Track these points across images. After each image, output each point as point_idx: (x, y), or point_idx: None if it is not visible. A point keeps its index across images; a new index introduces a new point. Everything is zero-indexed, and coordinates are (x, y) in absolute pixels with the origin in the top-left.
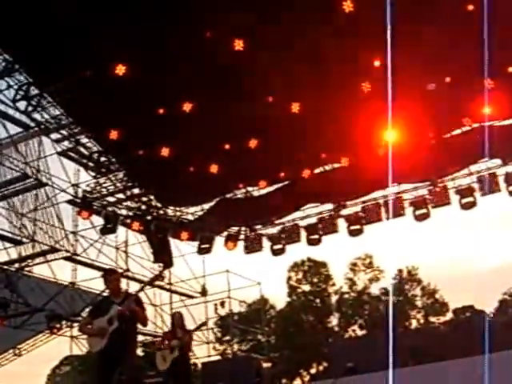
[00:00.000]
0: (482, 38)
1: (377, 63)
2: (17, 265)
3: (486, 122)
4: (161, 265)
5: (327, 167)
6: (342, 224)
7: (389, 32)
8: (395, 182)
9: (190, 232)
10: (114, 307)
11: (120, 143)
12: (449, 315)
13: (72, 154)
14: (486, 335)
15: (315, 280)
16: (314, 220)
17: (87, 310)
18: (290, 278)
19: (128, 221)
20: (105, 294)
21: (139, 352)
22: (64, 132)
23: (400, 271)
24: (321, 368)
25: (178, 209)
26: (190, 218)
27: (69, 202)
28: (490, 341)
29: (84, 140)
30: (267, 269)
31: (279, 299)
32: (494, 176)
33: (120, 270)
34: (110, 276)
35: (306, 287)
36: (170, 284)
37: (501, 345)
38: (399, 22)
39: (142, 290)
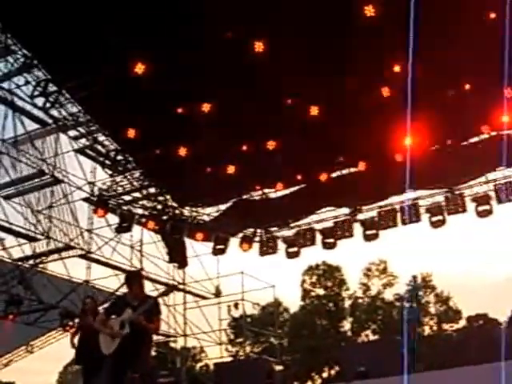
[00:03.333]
0: (503, 46)
1: (397, 69)
2: (31, 261)
3: (504, 131)
4: (175, 264)
5: (344, 171)
6: (357, 228)
7: (411, 39)
8: (412, 188)
9: (206, 232)
10: (128, 311)
11: (137, 142)
12: (462, 323)
13: (89, 152)
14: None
15: (329, 284)
16: (329, 224)
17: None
18: (304, 282)
19: (143, 220)
20: (120, 294)
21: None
22: (81, 129)
23: (414, 277)
24: (333, 372)
25: (193, 209)
26: (206, 218)
27: (85, 199)
28: (505, 349)
29: (101, 138)
30: (281, 271)
31: (293, 302)
32: (510, 184)
33: (134, 269)
34: (135, 283)
35: (320, 291)
36: (184, 284)
37: None
38: (421, 28)
39: (160, 296)
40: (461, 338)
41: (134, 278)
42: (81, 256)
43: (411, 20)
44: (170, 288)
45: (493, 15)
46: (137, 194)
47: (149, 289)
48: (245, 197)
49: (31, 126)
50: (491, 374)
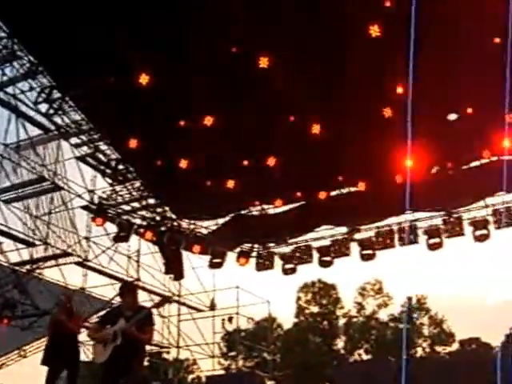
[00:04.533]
0: (505, 71)
1: (399, 90)
2: (28, 266)
3: (504, 156)
4: (171, 276)
5: (344, 190)
6: (354, 248)
7: (411, 62)
8: (410, 210)
9: (203, 246)
10: (121, 322)
11: (138, 152)
12: (455, 346)
13: (90, 160)
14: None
15: (324, 302)
16: (327, 242)
17: (96, 316)
18: (299, 299)
19: (141, 230)
20: (115, 303)
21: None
22: (83, 137)
23: (409, 299)
24: None
25: (192, 222)
26: (204, 231)
27: (84, 207)
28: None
29: (103, 147)
30: (277, 287)
31: (287, 318)
32: (509, 210)
33: (130, 279)
34: (129, 294)
35: (315, 308)
36: (179, 296)
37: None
38: (424, 51)
39: (154, 307)
40: (453, 360)
41: (128, 289)
42: (77, 263)
43: (411, 42)
44: (165, 299)
45: (497, 40)
46: (136, 204)
47: (144, 299)
48: (243, 212)
49: (34, 131)
50: None
